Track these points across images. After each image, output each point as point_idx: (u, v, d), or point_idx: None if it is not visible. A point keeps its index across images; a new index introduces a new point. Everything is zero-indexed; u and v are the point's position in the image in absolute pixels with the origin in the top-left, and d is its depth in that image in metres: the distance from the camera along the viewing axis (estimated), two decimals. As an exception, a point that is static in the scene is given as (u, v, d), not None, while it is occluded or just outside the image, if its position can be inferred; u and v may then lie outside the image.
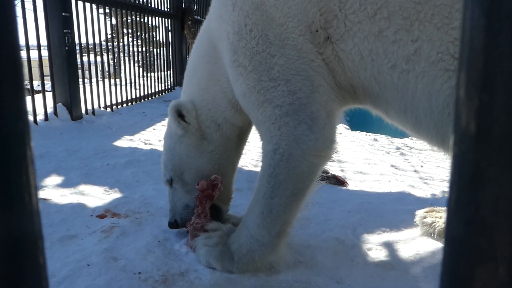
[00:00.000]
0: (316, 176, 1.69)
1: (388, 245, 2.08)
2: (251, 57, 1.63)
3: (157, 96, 7.64)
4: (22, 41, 4.15)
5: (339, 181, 3.03)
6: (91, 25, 5.36)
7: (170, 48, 8.49)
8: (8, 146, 0.34)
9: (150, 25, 7.55)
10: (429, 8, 1.36)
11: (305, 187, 1.66)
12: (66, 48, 4.63)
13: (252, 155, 3.63)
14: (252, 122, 1.80)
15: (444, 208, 2.31)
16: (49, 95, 4.64)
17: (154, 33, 7.79)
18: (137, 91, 6.90)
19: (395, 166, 3.81)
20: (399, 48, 1.42)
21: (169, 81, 8.32)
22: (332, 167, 3.49)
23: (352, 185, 3.05)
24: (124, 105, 6.33)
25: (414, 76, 1.42)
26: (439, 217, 2.20)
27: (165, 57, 8.30)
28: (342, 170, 3.45)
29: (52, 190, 2.68)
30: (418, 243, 2.09)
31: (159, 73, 7.94)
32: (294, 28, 1.57)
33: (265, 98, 1.62)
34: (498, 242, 0.35)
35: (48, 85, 4.76)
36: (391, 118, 1.64)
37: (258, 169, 1.98)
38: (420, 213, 2.26)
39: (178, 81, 8.59)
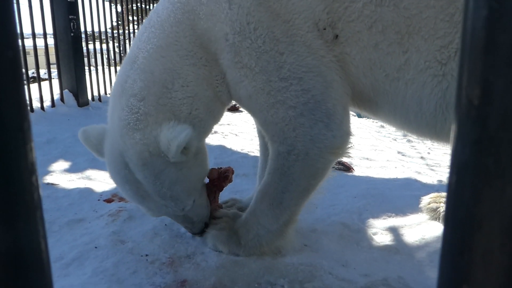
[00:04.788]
0: (329, 170, 1.69)
1: (394, 230, 2.09)
2: (258, 57, 1.53)
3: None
4: (28, 30, 4.16)
5: (346, 167, 3.03)
6: (96, 12, 5.35)
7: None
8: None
9: (155, 12, 7.50)
10: (417, 21, 1.43)
11: (318, 182, 1.67)
12: (72, 34, 4.62)
13: (258, 141, 3.60)
14: (258, 123, 1.75)
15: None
16: (55, 82, 4.65)
17: (159, 20, 7.74)
18: (143, 78, 6.88)
19: (401, 153, 3.80)
20: (392, 59, 1.49)
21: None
22: (338, 154, 3.48)
23: (358, 171, 3.05)
24: (130, 92, 6.33)
25: (403, 83, 1.50)
26: (443, 202, 2.20)
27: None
28: (348, 156, 3.44)
29: (59, 175, 2.71)
30: (424, 228, 2.10)
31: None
32: (301, 25, 1.52)
33: (276, 100, 1.55)
34: (506, 160, 0.34)
35: (54, 73, 4.76)
36: (379, 118, 1.70)
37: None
38: (425, 199, 2.27)
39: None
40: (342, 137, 1.59)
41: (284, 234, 1.75)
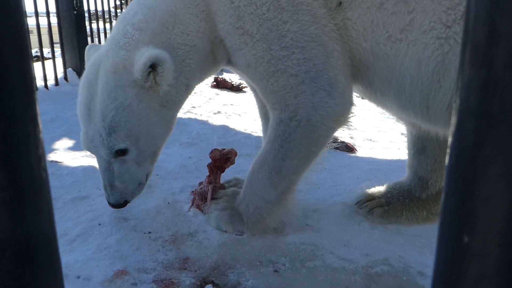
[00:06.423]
0: (330, 138, 1.70)
1: (396, 211, 2.08)
2: (260, 24, 1.54)
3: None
4: (31, 8, 4.12)
5: (348, 148, 3.03)
6: (99, -10, 5.30)
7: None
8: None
9: (159, -10, 7.41)
10: None
11: (319, 150, 1.68)
12: (75, 12, 4.59)
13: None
14: (258, 91, 1.75)
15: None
16: (59, 61, 4.63)
17: (163, -2, 7.67)
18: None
19: (405, 134, 3.77)
20: (396, 19, 1.47)
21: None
22: (341, 134, 3.47)
23: (361, 152, 3.05)
24: (134, 71, 6.30)
25: (405, 44, 1.48)
26: None
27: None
28: (351, 137, 3.43)
29: (63, 153, 2.72)
30: (426, 209, 2.09)
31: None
32: None
33: (276, 68, 1.56)
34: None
35: (58, 52, 4.74)
36: (373, 88, 1.65)
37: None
38: None
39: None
40: (344, 105, 1.60)
41: (283, 203, 1.76)
